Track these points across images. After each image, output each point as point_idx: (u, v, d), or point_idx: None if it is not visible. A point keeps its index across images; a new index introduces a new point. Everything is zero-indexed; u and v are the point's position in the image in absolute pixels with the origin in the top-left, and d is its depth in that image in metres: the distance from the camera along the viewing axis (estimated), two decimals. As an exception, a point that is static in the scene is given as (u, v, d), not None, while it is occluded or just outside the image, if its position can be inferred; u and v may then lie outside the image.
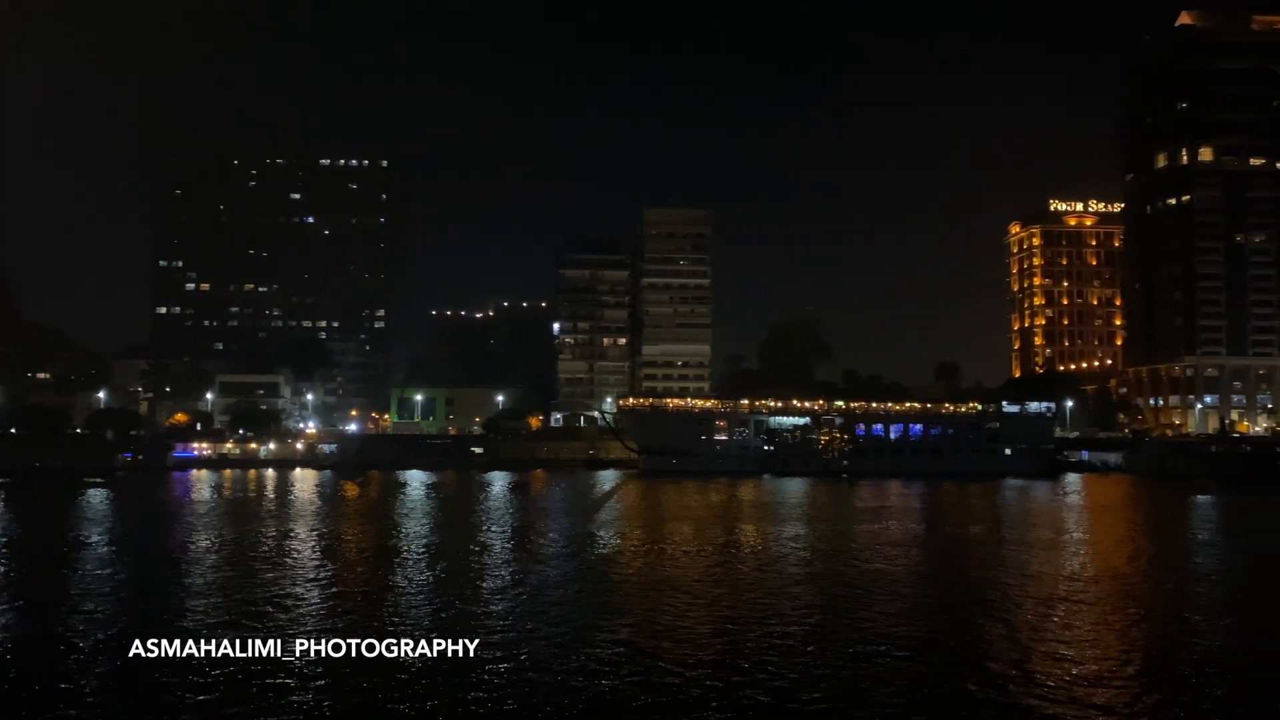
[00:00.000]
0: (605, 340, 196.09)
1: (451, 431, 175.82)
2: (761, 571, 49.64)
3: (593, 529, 68.94)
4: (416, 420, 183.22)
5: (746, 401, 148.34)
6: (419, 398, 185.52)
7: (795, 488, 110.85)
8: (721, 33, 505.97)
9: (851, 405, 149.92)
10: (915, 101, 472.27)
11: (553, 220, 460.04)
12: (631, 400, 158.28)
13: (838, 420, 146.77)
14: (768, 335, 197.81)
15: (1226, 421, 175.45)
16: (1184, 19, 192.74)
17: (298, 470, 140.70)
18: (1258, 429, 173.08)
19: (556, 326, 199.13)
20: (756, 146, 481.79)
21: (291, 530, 65.97)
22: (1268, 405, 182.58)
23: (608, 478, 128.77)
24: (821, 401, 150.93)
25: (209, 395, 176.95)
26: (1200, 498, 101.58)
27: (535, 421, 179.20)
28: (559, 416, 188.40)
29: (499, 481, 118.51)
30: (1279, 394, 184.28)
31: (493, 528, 69.58)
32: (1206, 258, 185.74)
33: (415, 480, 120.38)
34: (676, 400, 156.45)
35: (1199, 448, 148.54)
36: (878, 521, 74.60)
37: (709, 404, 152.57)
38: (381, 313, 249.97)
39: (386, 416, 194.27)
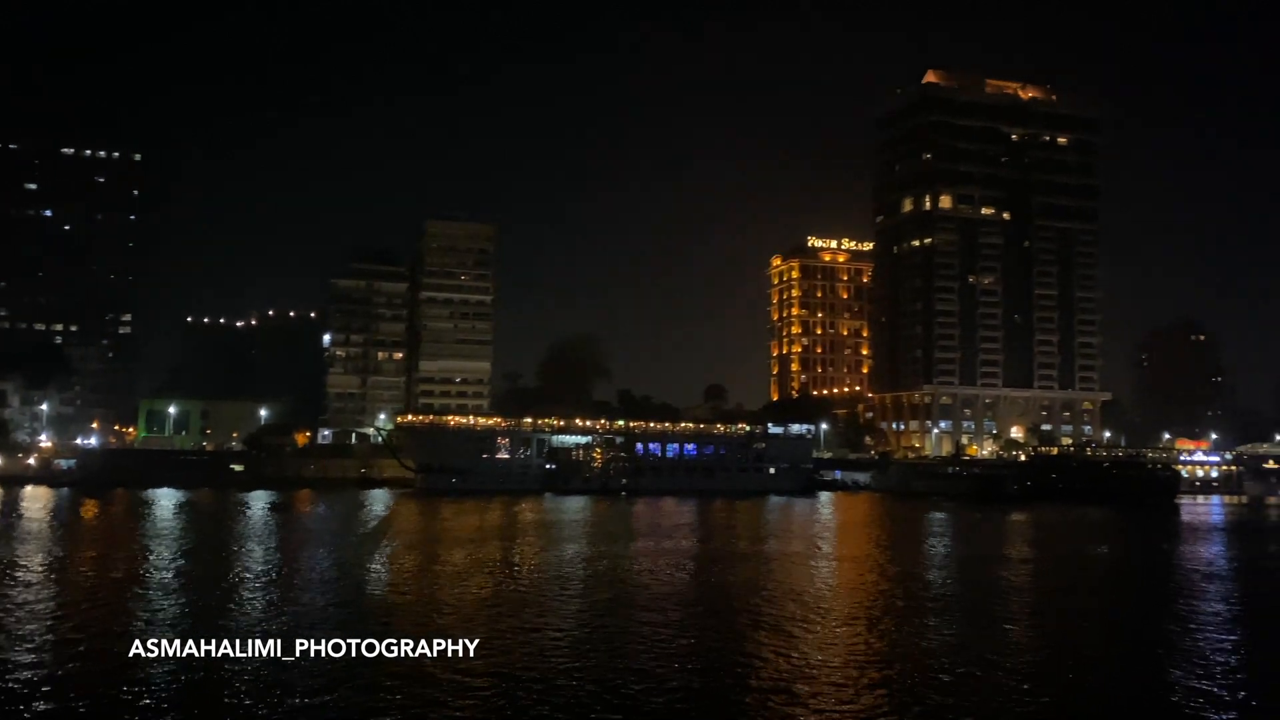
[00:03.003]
0: (380, 354, 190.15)
1: (208, 447, 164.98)
2: (536, 590, 49.39)
3: (364, 550, 66.50)
4: (168, 434, 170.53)
5: (529, 420, 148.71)
6: (171, 410, 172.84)
7: (576, 505, 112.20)
8: (516, 50, 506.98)
9: (632, 425, 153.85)
10: (689, 134, 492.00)
11: (327, 228, 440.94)
12: (410, 417, 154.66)
13: (619, 439, 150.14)
14: (547, 355, 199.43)
15: (959, 445, 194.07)
16: (930, 77, 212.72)
17: (29, 488, 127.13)
18: (984, 452, 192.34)
19: (327, 338, 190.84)
20: (541, 168, 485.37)
21: (12, 555, 59.21)
22: (993, 430, 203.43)
23: (382, 497, 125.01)
24: (603, 421, 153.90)
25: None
26: (937, 514, 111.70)
27: (302, 438, 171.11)
28: (328, 433, 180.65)
29: (260, 501, 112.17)
30: (1002, 420, 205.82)
31: (249, 550, 65.25)
32: (943, 296, 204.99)
33: (166, 499, 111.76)
34: (458, 418, 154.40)
35: (937, 469, 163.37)
36: (653, 538, 76.66)
37: (491, 422, 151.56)
38: (128, 317, 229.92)
39: (133, 430, 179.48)
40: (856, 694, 30.65)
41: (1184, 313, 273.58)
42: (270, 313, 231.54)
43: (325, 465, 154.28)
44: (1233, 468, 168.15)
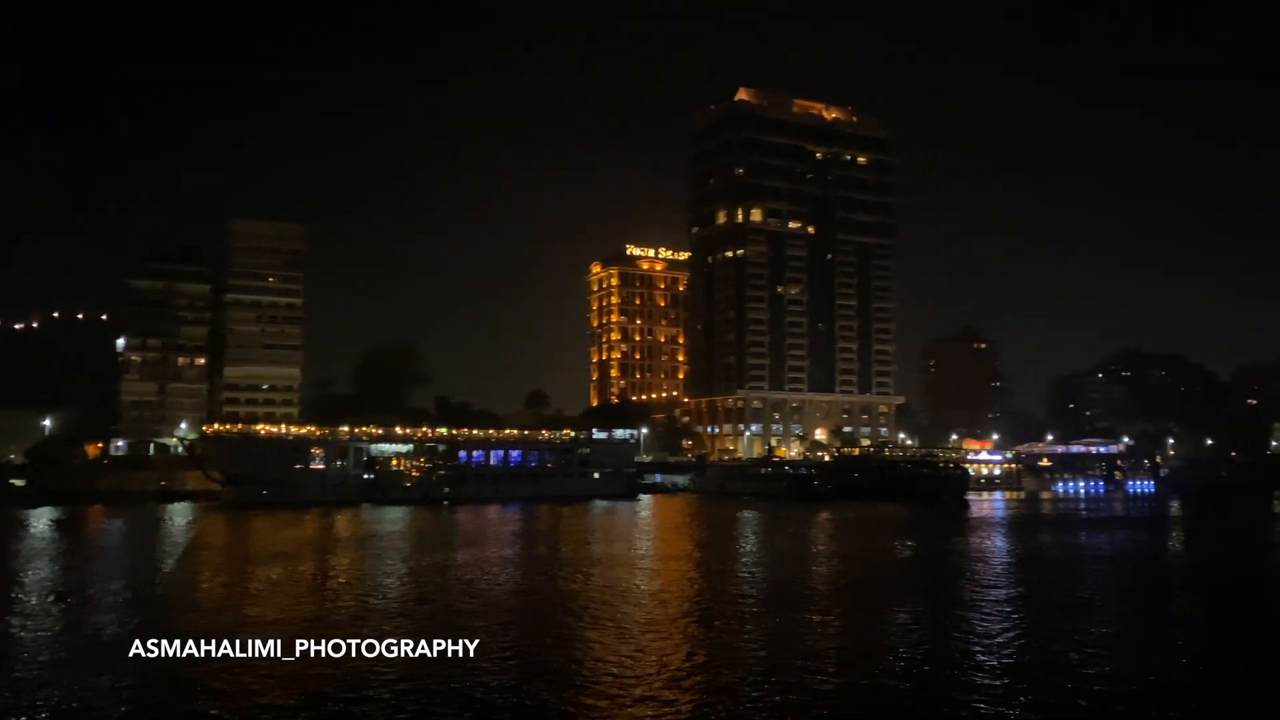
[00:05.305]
0: (181, 359, 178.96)
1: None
2: (358, 605, 48.09)
3: (163, 570, 63.40)
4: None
5: (346, 428, 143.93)
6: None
7: (396, 516, 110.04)
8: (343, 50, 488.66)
9: (455, 432, 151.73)
10: (510, 140, 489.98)
11: (122, 225, 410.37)
12: (217, 426, 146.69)
13: (441, 447, 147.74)
14: (361, 361, 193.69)
15: (770, 447, 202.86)
16: (742, 94, 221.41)
17: None
18: (792, 453, 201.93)
19: (121, 342, 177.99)
20: (357, 168, 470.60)
21: None
22: (799, 433, 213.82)
23: (184, 511, 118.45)
24: (425, 429, 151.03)
25: None
26: (750, 514, 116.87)
27: (93, 449, 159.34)
28: (122, 444, 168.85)
29: (45, 519, 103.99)
30: (808, 423, 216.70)
31: (28, 574, 60.20)
32: (754, 305, 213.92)
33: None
34: (268, 426, 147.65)
35: (750, 470, 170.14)
36: (477, 547, 76.26)
37: (305, 430, 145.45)
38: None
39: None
40: (677, 690, 32.24)
41: (966, 322, 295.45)
42: (55, 314, 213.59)
43: (121, 478, 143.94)
44: (1013, 465, 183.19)
